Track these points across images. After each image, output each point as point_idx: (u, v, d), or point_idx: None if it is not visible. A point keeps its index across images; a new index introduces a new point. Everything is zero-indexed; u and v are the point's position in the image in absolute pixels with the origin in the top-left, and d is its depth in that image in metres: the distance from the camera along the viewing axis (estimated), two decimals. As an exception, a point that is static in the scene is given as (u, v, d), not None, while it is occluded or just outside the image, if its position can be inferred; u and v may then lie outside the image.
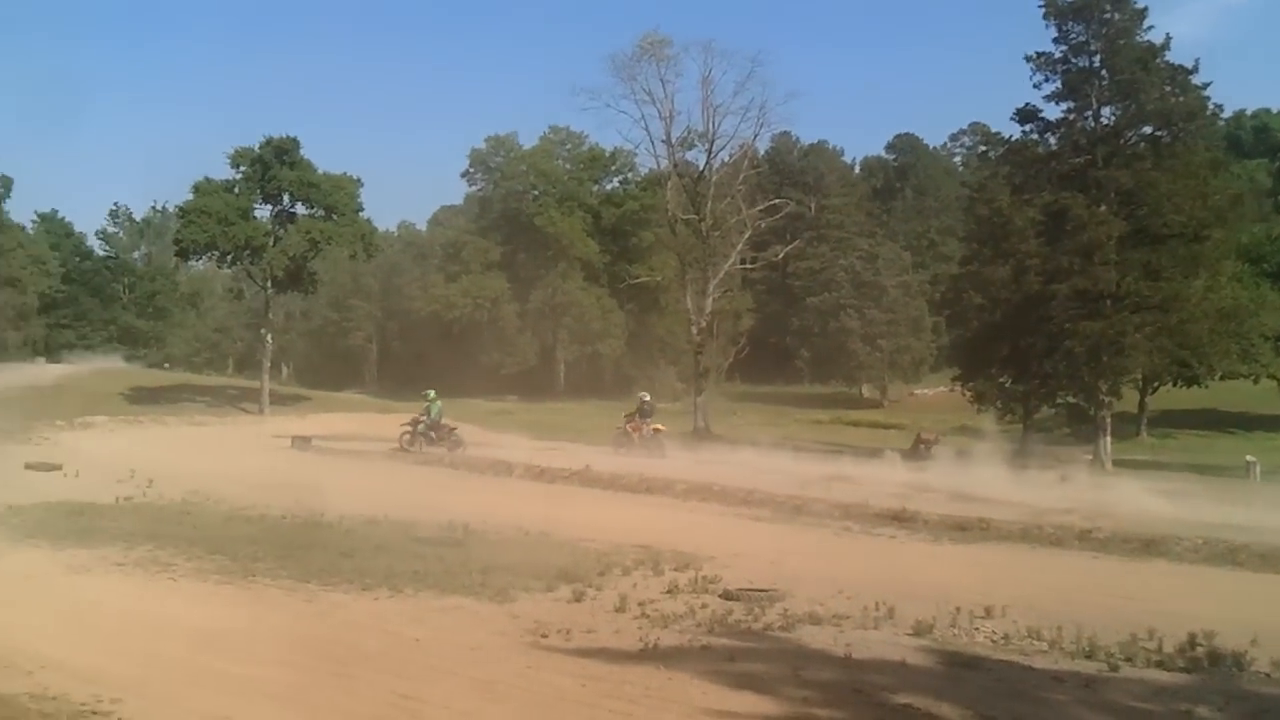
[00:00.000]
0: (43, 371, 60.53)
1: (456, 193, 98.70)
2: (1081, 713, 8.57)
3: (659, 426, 34.74)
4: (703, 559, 14.79)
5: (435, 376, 68.46)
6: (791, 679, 9.17)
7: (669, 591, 12.81)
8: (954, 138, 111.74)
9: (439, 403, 34.00)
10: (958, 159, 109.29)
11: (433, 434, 32.92)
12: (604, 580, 13.34)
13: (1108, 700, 8.94)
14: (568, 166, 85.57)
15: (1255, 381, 59.44)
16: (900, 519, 20.04)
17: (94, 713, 7.63)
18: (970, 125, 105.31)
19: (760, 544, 16.99)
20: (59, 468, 23.12)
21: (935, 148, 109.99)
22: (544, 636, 10.54)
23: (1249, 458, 34.99)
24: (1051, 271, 40.15)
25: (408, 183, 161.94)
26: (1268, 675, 9.79)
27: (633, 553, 15.23)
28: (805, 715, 8.20)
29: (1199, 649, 10.31)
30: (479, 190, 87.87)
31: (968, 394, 46.85)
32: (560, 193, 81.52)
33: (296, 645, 9.92)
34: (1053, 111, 42.55)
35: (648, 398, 36.19)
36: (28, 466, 23.23)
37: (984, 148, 51.17)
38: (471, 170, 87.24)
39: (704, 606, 11.97)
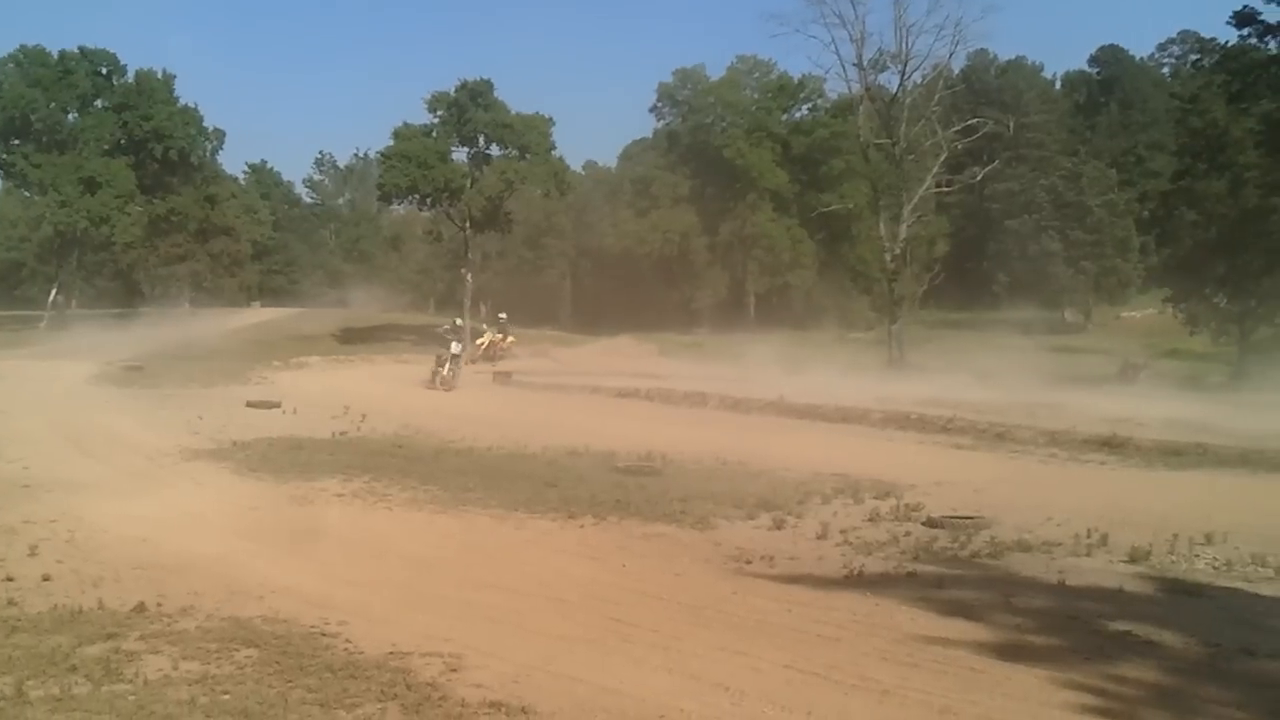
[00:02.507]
0: (258, 315, 63.56)
1: (645, 128, 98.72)
2: (1315, 642, 8.16)
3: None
4: (903, 487, 14.65)
5: (628, 312, 69.43)
6: (1003, 606, 9.02)
7: (870, 519, 12.75)
8: (1162, 47, 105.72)
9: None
10: (1166, 69, 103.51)
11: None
12: (804, 508, 13.35)
13: (1344, 629, 8.51)
14: (756, 96, 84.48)
15: None
16: (1110, 445, 19.37)
17: (322, 634, 8.00)
18: (1180, 34, 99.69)
19: (962, 472, 16.68)
20: (278, 405, 24.21)
21: (1142, 59, 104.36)
22: (747, 563, 10.62)
23: None
24: (1272, 184, 37.89)
25: (595, 121, 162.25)
26: None
27: (831, 481, 15.18)
28: (1020, 642, 8.05)
29: None
30: (667, 125, 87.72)
31: (1179, 316, 44.79)
32: (749, 123, 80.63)
33: (509, 571, 10.22)
34: (1273, 13, 39.77)
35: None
36: (249, 405, 24.33)
37: (1196, 56, 48.23)
38: (659, 104, 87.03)
39: (907, 534, 11.87)
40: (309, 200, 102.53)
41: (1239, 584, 9.92)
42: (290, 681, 6.96)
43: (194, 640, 7.80)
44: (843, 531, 11.94)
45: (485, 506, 13.32)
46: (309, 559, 10.62)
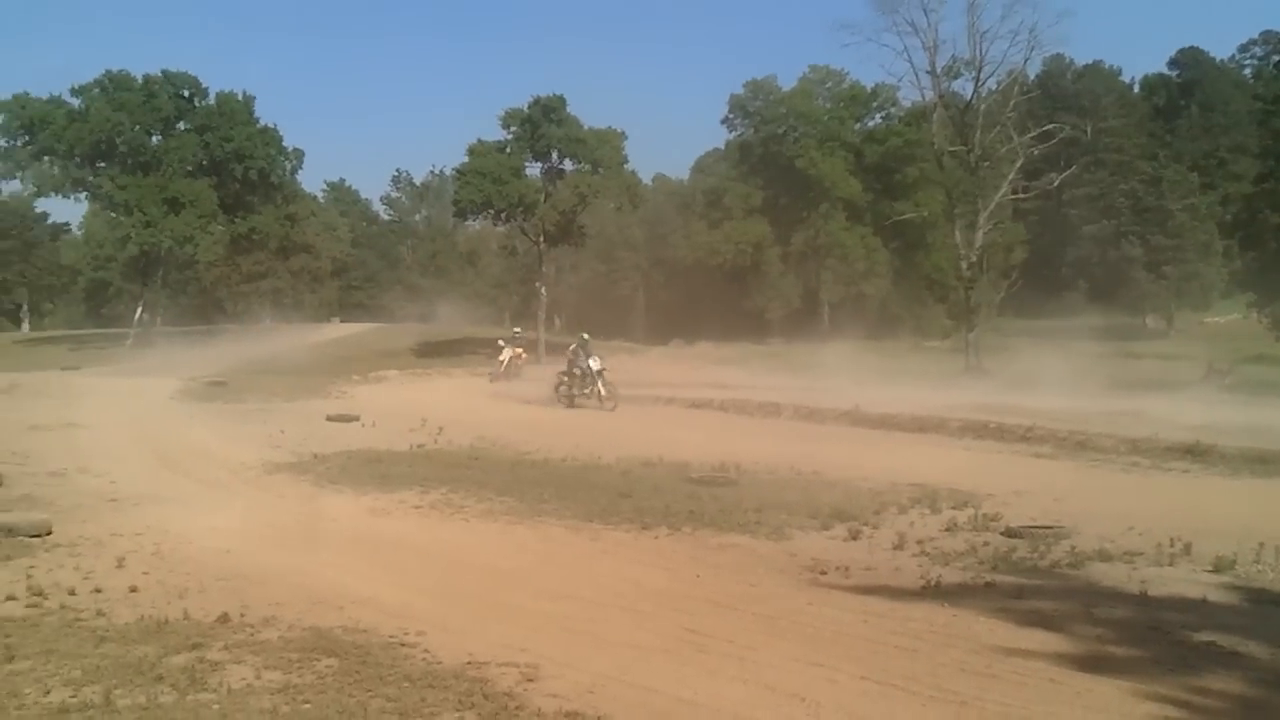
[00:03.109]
0: (337, 330, 64.57)
1: (715, 140, 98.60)
2: None
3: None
4: (981, 497, 14.51)
5: (700, 323, 69.36)
6: (1084, 616, 8.89)
7: (948, 529, 12.64)
8: (1243, 48, 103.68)
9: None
10: (1248, 71, 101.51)
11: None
12: (880, 519, 13.28)
13: None
14: (828, 106, 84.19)
15: None
16: (1193, 452, 18.96)
17: (401, 644, 8.09)
18: (1262, 34, 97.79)
19: (1042, 481, 16.47)
20: (357, 418, 24.58)
21: (1222, 60, 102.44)
22: (822, 574, 10.58)
23: None
24: (1360, 184, 36.95)
25: (667, 134, 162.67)
26: None
27: (908, 491, 15.07)
28: (1100, 653, 7.93)
29: None
30: (739, 136, 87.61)
31: (1264, 320, 43.82)
32: (821, 133, 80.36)
33: (584, 581, 10.27)
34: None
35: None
36: (329, 419, 24.72)
37: (1278, 57, 47.04)
38: (731, 116, 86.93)
39: (985, 544, 11.74)
40: (386, 217, 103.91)
41: (1328, 594, 9.69)
42: (370, 691, 7.05)
43: (276, 650, 7.94)
44: (919, 542, 11.85)
45: (560, 518, 13.40)
46: (388, 570, 10.74)
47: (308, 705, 6.82)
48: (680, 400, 30.41)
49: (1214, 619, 8.78)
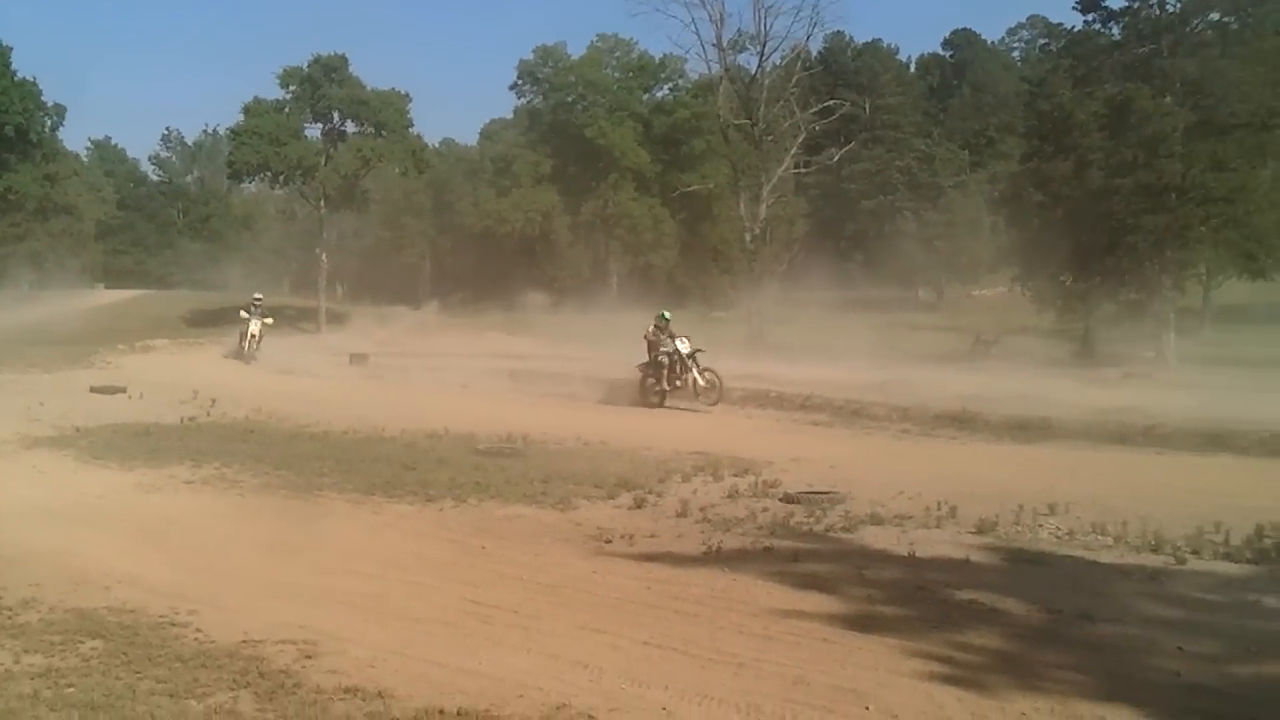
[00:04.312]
0: (103, 297, 61.40)
1: (505, 107, 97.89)
2: (1148, 605, 8.53)
3: None
4: (761, 464, 14.86)
5: (487, 291, 68.91)
6: (856, 579, 9.22)
7: (729, 496, 12.91)
8: (1012, 32, 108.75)
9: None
10: (1016, 53, 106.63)
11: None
12: (664, 487, 13.46)
13: (1174, 592, 8.92)
14: (617, 75, 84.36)
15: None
16: (960, 420, 19.95)
17: (172, 624, 7.81)
18: (1029, 18, 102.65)
19: (819, 448, 17.00)
20: (123, 390, 23.39)
21: (993, 43, 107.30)
22: (607, 542, 10.66)
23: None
24: (1115, 166, 39.25)
25: (455, 99, 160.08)
26: (1338, 566, 9.69)
27: (691, 459, 15.33)
28: (871, 613, 8.24)
29: (1267, 540, 10.24)
30: (528, 103, 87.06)
31: (1027, 294, 46.24)
32: (610, 102, 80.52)
33: (365, 556, 10.09)
34: (1116, 0, 41.27)
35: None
36: (93, 390, 23.49)
37: (1044, 40, 49.61)
38: (520, 82, 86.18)
39: (765, 510, 12.04)
40: (156, 178, 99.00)
41: (1080, 552, 10.29)
42: (138, 673, 6.78)
43: (36, 633, 7.57)
44: (702, 509, 12.07)
45: (341, 491, 13.11)
46: (157, 548, 10.32)
47: (71, 689, 6.51)
48: (470, 369, 30.13)
49: (976, 578, 9.23)
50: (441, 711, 6.23)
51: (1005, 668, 7.05)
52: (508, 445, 16.73)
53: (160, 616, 7.97)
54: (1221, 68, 38.22)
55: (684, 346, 23.74)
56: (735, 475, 14.14)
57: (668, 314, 25.21)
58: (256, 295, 36.05)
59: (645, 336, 24.30)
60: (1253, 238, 39.50)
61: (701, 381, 23.42)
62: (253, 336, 34.04)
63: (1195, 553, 10.04)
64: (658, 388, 23.84)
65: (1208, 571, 9.55)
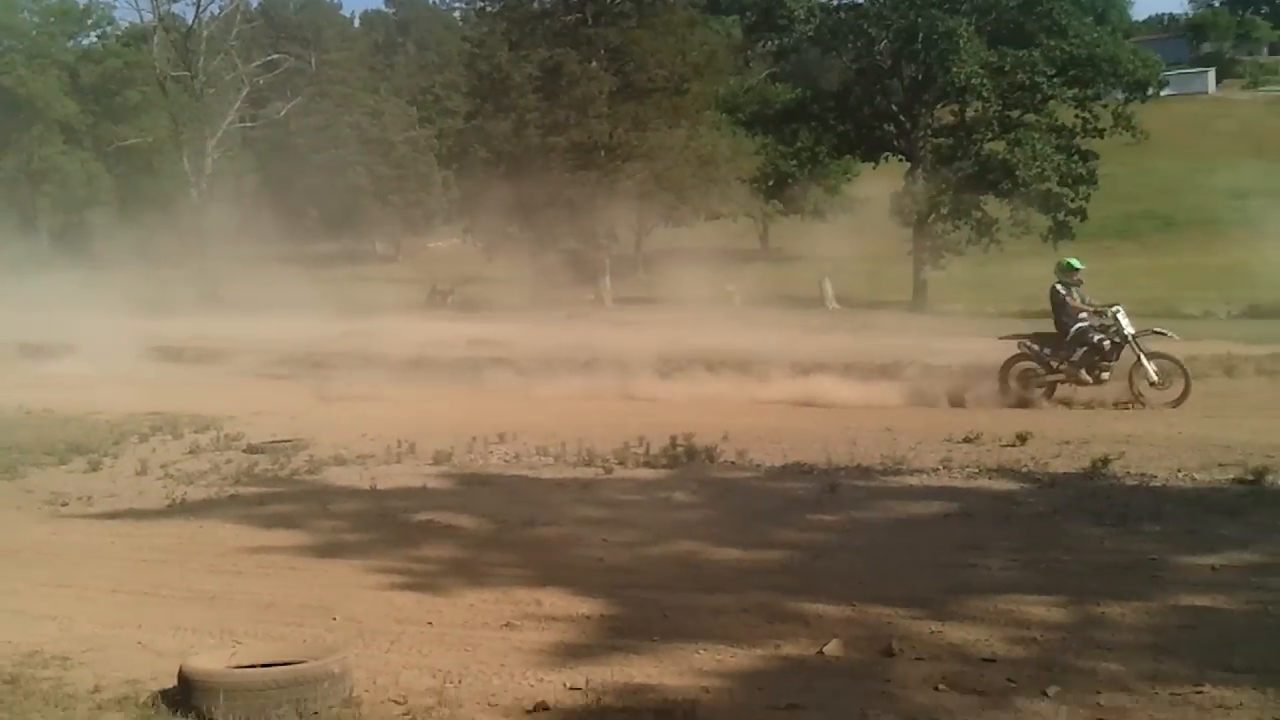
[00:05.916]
0: None
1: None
2: (579, 508, 9.85)
3: None
4: (223, 419, 14.87)
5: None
6: (322, 513, 9.80)
7: (191, 452, 12.95)
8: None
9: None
10: (457, 14, 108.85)
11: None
12: (120, 449, 13.20)
13: (602, 496, 10.33)
14: (36, 20, 77.62)
15: (735, 220, 65.01)
16: (419, 365, 20.84)
17: None
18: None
19: (281, 401, 17.19)
20: None
21: (434, 2, 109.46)
22: (64, 505, 10.50)
23: (729, 288, 38.82)
24: (550, 125, 42.03)
25: None
26: (733, 463, 11.58)
27: (147, 420, 14.99)
28: (336, 541, 8.88)
29: (679, 448, 11.94)
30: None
31: (477, 244, 48.29)
32: (30, 49, 73.98)
33: None
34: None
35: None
36: None
37: (481, 3, 51.54)
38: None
39: (229, 462, 12.25)
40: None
41: (525, 472, 11.54)
42: None
43: None
44: (163, 466, 12.04)
45: None
46: None
47: None
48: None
49: (432, 501, 10.13)
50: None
51: (457, 571, 7.96)
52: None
53: None
54: (638, 37, 42.00)
55: (1125, 323, 15.34)
56: (196, 432, 14.09)
57: (1078, 262, 16.31)
58: None
59: (1056, 298, 15.89)
60: (671, 190, 43.74)
61: (1154, 374, 15.04)
62: None
63: (621, 463, 11.57)
64: (1070, 369, 15.58)
65: (630, 478, 11.08)
